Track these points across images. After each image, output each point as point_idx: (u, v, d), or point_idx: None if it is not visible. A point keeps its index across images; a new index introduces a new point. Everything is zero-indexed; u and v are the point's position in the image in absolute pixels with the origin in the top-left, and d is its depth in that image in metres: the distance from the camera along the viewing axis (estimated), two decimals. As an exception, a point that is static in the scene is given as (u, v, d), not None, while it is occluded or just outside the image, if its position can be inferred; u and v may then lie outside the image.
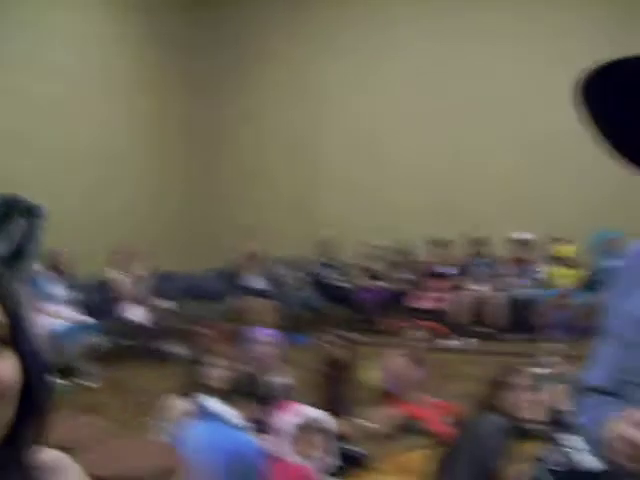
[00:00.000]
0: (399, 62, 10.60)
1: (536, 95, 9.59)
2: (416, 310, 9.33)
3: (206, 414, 3.70)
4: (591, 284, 8.82)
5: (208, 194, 11.53)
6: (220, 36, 11.25)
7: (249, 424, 3.74)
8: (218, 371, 4.56)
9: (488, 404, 3.84)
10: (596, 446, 1.26)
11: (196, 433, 3.68)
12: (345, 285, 9.88)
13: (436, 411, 5.69)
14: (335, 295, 9.74)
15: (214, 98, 11.39)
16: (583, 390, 1.41)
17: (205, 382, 4.50)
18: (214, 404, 3.68)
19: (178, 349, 8.26)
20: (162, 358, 8.19)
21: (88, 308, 7.94)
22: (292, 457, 3.34)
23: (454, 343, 8.70)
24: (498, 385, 3.86)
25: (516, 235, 9.45)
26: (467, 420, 3.99)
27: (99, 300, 8.74)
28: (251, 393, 3.81)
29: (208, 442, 3.56)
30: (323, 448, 3.40)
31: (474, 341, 8.90)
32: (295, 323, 9.33)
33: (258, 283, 9.43)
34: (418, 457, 4.97)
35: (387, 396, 5.82)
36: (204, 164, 11.55)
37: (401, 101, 10.47)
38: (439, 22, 10.55)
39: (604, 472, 1.28)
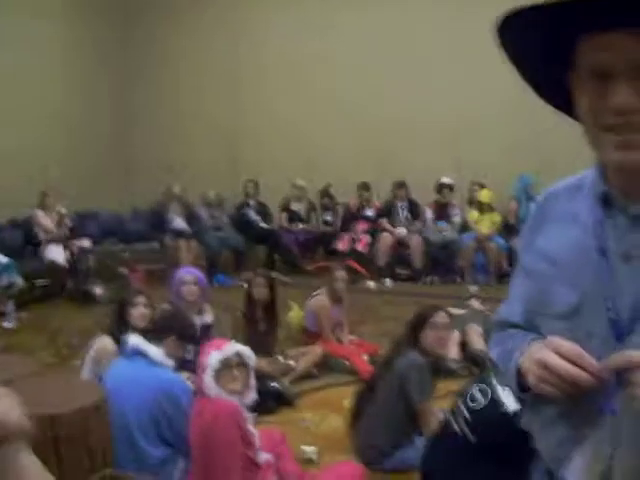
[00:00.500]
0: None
1: (463, 49, 9.59)
2: (337, 252, 9.43)
3: (129, 352, 3.68)
4: (509, 228, 9.10)
5: (137, 130, 11.31)
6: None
7: (172, 361, 3.74)
8: (140, 310, 4.56)
9: (408, 342, 3.95)
10: (508, 376, 1.33)
11: (119, 371, 3.68)
12: (268, 226, 9.88)
13: (356, 349, 5.85)
14: (258, 236, 9.75)
15: (149, 34, 11.11)
16: (498, 324, 1.48)
17: (128, 321, 4.50)
18: (137, 342, 3.67)
19: (99, 289, 8.17)
20: (83, 298, 8.08)
21: (5, 247, 7.73)
22: (216, 392, 3.36)
23: (373, 284, 8.86)
24: (418, 323, 3.97)
25: (438, 179, 9.59)
26: (387, 357, 4.09)
27: (18, 239, 8.55)
28: (173, 331, 3.79)
29: (131, 380, 3.56)
30: (244, 382, 3.44)
31: (392, 282, 9.08)
32: (217, 263, 9.34)
33: (180, 223, 9.35)
34: (338, 394, 5.12)
35: (308, 335, 5.96)
36: (135, 99, 11.30)
37: (337, 48, 10.35)
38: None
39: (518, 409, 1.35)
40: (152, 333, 3.84)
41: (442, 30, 9.85)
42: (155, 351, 3.66)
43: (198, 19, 11.07)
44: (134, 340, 3.70)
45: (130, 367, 3.65)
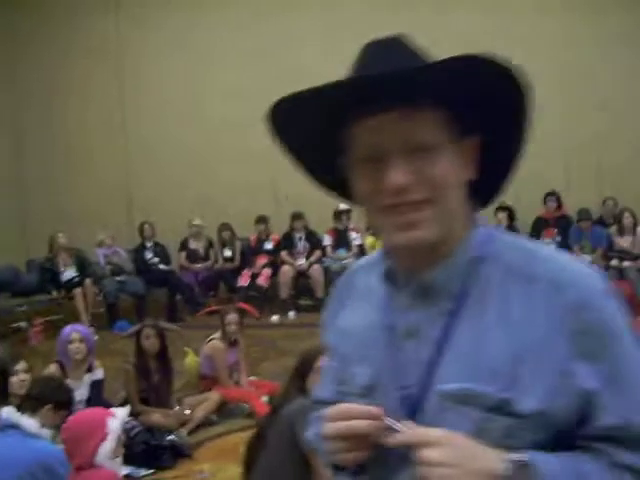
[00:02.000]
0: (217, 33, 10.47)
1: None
2: (240, 288, 9.36)
3: (1, 426, 3.51)
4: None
5: (29, 176, 10.95)
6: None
7: (50, 430, 3.59)
8: (20, 376, 4.39)
9: (295, 388, 3.90)
10: (325, 457, 1.30)
11: (-9, 447, 3.50)
12: (167, 267, 9.73)
13: (255, 391, 5.78)
14: (158, 278, 9.57)
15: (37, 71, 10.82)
16: (315, 404, 1.44)
17: (6, 391, 4.31)
18: (8, 415, 3.50)
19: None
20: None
21: None
22: (110, 462, 3.26)
23: (275, 318, 8.81)
24: (303, 369, 3.93)
25: (335, 206, 9.65)
26: (275, 403, 4.03)
27: None
28: (48, 400, 3.65)
29: (4, 454, 3.39)
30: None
31: (294, 315, 9.05)
32: (117, 309, 9.12)
33: (71, 274, 9.09)
34: (237, 440, 5.03)
35: (206, 380, 5.86)
36: (26, 141, 10.93)
37: (225, 77, 10.35)
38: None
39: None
40: (26, 403, 3.69)
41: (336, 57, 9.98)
42: (28, 423, 3.50)
43: (82, 51, 10.80)
44: (6, 413, 3.54)
45: (3, 441, 3.49)
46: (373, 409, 1.12)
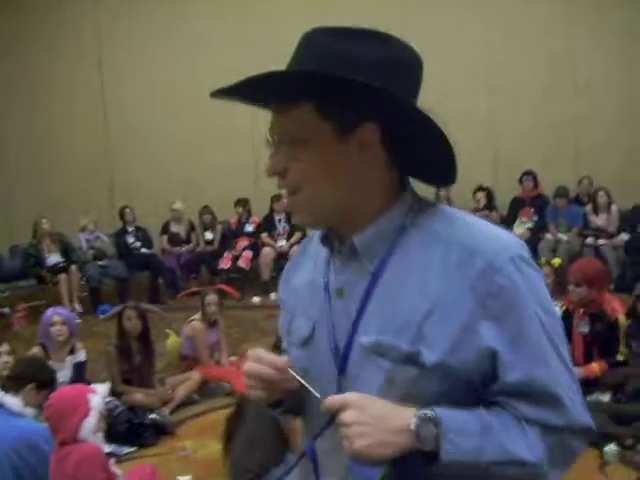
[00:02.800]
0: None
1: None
2: (221, 270, 9.44)
3: (-14, 405, 3.60)
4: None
5: (11, 161, 10.92)
6: None
7: (32, 410, 3.68)
8: (3, 358, 4.47)
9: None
10: None
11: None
12: (149, 251, 9.78)
13: (235, 371, 5.88)
14: (140, 262, 9.62)
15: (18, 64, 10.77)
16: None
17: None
18: (-7, 394, 3.59)
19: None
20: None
21: None
22: (93, 436, 3.34)
23: (257, 299, 8.90)
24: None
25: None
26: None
27: None
28: (30, 379, 3.73)
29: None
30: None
31: (275, 296, 9.13)
32: (100, 294, 9.18)
33: (55, 258, 9.12)
34: (218, 418, 5.13)
35: (187, 361, 5.95)
36: (6, 127, 10.85)
37: (204, 60, 10.37)
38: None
39: None
40: (9, 383, 3.77)
41: None
42: (12, 401, 3.59)
43: (63, 43, 10.79)
44: (-10, 392, 3.63)
45: (-13, 421, 3.57)
46: (279, 360, 1.28)
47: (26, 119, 10.81)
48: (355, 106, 1.22)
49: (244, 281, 9.32)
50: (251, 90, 1.23)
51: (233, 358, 6.23)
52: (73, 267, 9.06)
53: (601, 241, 8.82)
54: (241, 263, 9.40)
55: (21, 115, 10.83)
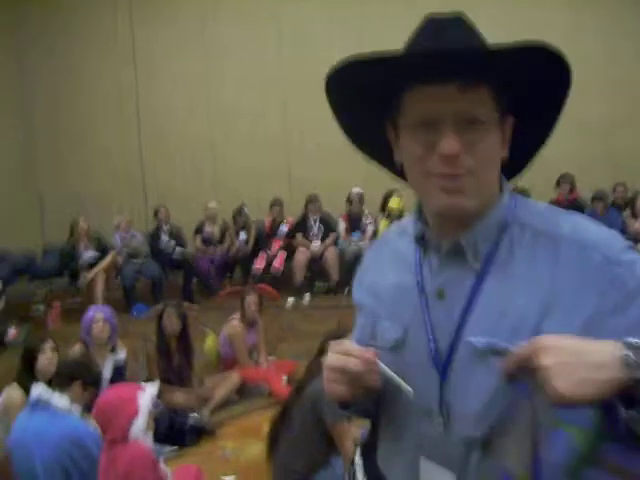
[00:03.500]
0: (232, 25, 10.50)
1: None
2: (255, 272, 9.41)
3: (33, 403, 3.60)
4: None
5: (43, 162, 11.00)
6: None
7: (80, 408, 3.68)
8: (47, 355, 4.47)
9: (319, 365, 3.96)
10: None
11: (24, 424, 3.59)
12: (183, 252, 9.77)
13: (274, 371, 5.86)
14: (174, 262, 9.62)
15: (46, 63, 10.84)
16: None
17: (35, 368, 4.41)
18: (40, 392, 3.59)
19: (13, 331, 7.92)
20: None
21: None
22: (143, 436, 3.33)
23: (292, 301, 8.87)
24: (327, 346, 4.00)
25: (348, 191, 9.70)
26: (299, 381, 4.11)
27: None
28: (77, 377, 3.73)
29: (37, 432, 3.49)
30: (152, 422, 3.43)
31: (309, 297, 9.11)
32: (134, 293, 9.19)
33: (92, 256, 9.14)
34: (258, 419, 5.12)
35: (225, 361, 5.93)
36: (37, 129, 10.95)
37: (238, 65, 10.39)
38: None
39: None
40: (56, 381, 3.78)
41: (349, 43, 10.03)
42: (59, 400, 3.59)
43: (94, 39, 10.84)
44: (37, 390, 3.63)
45: (35, 419, 3.58)
46: (368, 354, 1.22)
47: (56, 119, 10.90)
48: (517, 95, 1.21)
49: (278, 283, 9.29)
50: (424, 62, 1.16)
51: (271, 359, 6.20)
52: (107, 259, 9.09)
53: (640, 246, 8.68)
54: (275, 264, 9.36)
55: (51, 115, 10.92)
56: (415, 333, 1.30)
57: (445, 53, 1.13)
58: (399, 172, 1.36)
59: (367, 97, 1.28)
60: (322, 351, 4.00)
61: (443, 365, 1.25)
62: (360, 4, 10.23)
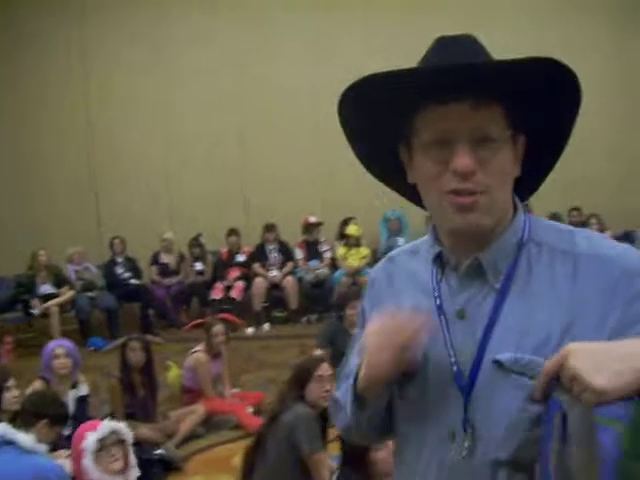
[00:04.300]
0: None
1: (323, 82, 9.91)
2: (213, 301, 9.30)
3: (-1, 442, 3.46)
4: (378, 261, 9.35)
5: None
6: None
7: (45, 445, 3.55)
8: (12, 392, 4.32)
9: (293, 395, 3.92)
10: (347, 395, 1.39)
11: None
12: (138, 282, 9.61)
13: (240, 403, 5.78)
14: (129, 293, 9.45)
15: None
16: (345, 376, 1.48)
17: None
18: (3, 431, 3.45)
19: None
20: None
21: None
22: (96, 475, 3.23)
23: (250, 330, 8.78)
24: (302, 378, 3.95)
25: (306, 219, 9.71)
26: (273, 411, 4.03)
27: None
28: (44, 415, 3.61)
29: (2, 472, 3.34)
30: (125, 460, 3.33)
31: (268, 326, 9.04)
32: (90, 326, 8.99)
33: (48, 289, 8.92)
34: (226, 452, 5.03)
35: (189, 393, 5.82)
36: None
37: (195, 90, 10.33)
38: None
39: None
40: (21, 419, 3.65)
41: (307, 70, 10.09)
42: (25, 438, 3.45)
43: (50, 61, 10.62)
44: (1, 429, 3.49)
45: (0, 457, 3.43)
46: (421, 316, 1.22)
47: (13, 141, 10.60)
48: (527, 113, 1.22)
49: (236, 312, 9.17)
50: (437, 79, 1.16)
51: (235, 390, 6.11)
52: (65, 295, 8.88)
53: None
54: (233, 294, 9.28)
55: (7, 138, 10.62)
56: (436, 355, 1.28)
57: (457, 68, 1.15)
58: (409, 195, 1.38)
59: (380, 119, 1.28)
60: (297, 380, 3.95)
61: (467, 386, 1.23)
62: (316, 29, 10.31)
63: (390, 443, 3.09)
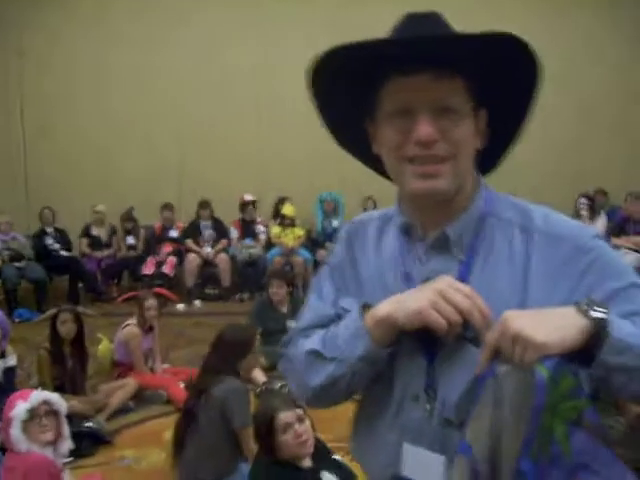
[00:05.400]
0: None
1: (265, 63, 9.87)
2: (144, 276, 9.21)
3: None
4: (313, 242, 9.43)
5: None
6: None
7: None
8: None
9: (225, 369, 3.93)
10: (345, 338, 1.35)
11: None
12: (69, 255, 9.42)
13: (171, 378, 5.76)
14: (59, 265, 9.25)
15: None
16: (303, 330, 1.49)
17: None
18: None
19: None
20: None
21: None
22: (26, 446, 3.19)
23: (181, 307, 8.74)
24: (238, 351, 3.97)
25: (241, 197, 9.68)
26: (203, 384, 4.02)
27: None
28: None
29: None
30: (56, 431, 3.30)
31: (199, 303, 9.02)
32: (17, 297, 8.78)
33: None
34: (157, 426, 5.01)
35: (120, 367, 5.77)
36: None
37: (129, 58, 10.16)
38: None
39: None
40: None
41: (260, 52, 10.03)
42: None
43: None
44: None
45: None
46: (481, 301, 1.20)
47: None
48: (489, 87, 1.27)
49: (168, 288, 9.11)
50: (400, 50, 1.21)
51: (166, 365, 6.08)
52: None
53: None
54: (165, 269, 9.20)
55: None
56: None
57: (417, 39, 1.19)
58: (380, 169, 1.41)
59: (347, 91, 1.33)
60: (233, 354, 3.96)
61: (433, 349, 1.29)
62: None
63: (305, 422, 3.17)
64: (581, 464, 1.10)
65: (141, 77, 10.20)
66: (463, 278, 1.28)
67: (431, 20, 1.27)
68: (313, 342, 1.41)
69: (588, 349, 1.11)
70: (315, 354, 1.39)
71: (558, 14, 10.28)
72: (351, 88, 1.31)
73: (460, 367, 1.26)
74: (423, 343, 1.29)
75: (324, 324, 1.44)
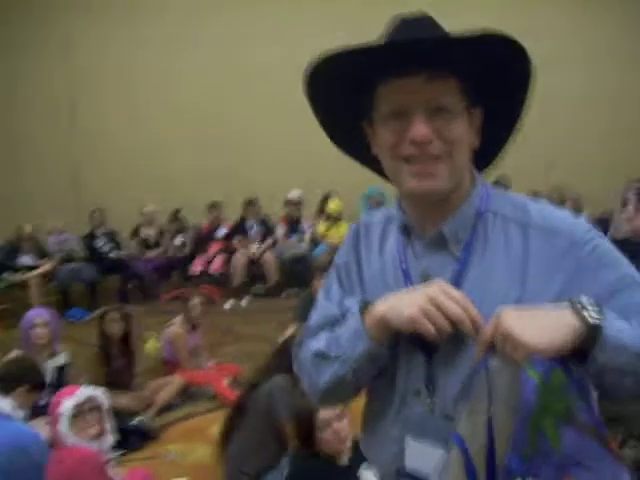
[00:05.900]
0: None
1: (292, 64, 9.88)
2: (193, 275, 9.32)
3: (-24, 408, 3.50)
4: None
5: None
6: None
7: (22, 412, 3.59)
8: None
9: (275, 367, 3.97)
10: (347, 336, 1.36)
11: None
12: (119, 255, 9.60)
13: (217, 374, 5.83)
14: (109, 266, 9.44)
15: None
16: (314, 329, 1.50)
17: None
18: (-17, 396, 3.49)
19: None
20: None
21: None
22: (72, 440, 3.28)
23: (230, 304, 8.83)
24: (282, 348, 4.01)
25: (287, 194, 9.74)
26: (253, 381, 4.08)
27: None
28: (21, 381, 3.65)
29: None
30: (100, 427, 3.39)
31: (247, 301, 9.08)
32: (69, 297, 8.99)
33: (30, 260, 8.90)
34: (203, 422, 5.09)
35: (167, 365, 5.87)
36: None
37: (178, 64, 10.32)
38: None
39: None
40: (2, 383, 3.69)
41: (293, 50, 10.05)
42: (2, 404, 3.50)
43: (30, 37, 10.55)
44: (-21, 394, 3.53)
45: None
46: (475, 312, 1.21)
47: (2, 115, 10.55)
48: (483, 86, 1.29)
49: (216, 286, 9.21)
50: (393, 54, 1.23)
51: (212, 362, 6.17)
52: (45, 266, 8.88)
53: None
54: (213, 268, 9.31)
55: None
56: None
57: (410, 42, 1.21)
58: (378, 170, 1.44)
59: (343, 95, 1.35)
60: (283, 351, 3.98)
61: (428, 347, 1.31)
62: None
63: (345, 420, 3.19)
64: (572, 460, 1.10)
65: (191, 79, 10.34)
66: (460, 275, 1.30)
67: (423, 23, 1.29)
68: (319, 343, 1.44)
69: (583, 348, 1.13)
70: (321, 354, 1.42)
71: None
72: (347, 91, 1.34)
73: (458, 362, 1.28)
74: (420, 341, 1.31)
75: (331, 324, 1.46)
